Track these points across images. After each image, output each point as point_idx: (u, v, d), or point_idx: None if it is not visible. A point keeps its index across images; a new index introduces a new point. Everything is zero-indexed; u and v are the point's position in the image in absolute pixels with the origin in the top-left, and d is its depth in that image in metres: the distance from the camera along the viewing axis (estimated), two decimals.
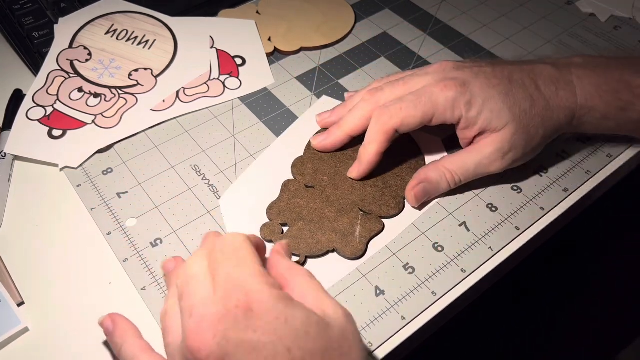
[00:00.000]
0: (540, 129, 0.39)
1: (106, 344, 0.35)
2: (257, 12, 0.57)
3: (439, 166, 0.40)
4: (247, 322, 0.26)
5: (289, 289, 0.30)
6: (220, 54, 0.52)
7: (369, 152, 0.40)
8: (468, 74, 0.40)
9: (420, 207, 0.41)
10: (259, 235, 0.39)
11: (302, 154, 0.44)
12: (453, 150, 0.44)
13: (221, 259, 0.29)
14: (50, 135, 0.45)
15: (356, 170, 0.41)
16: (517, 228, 0.40)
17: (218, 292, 0.28)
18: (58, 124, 0.46)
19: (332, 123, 0.45)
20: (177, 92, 0.49)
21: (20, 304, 0.36)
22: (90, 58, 0.50)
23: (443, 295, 0.37)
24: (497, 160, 0.39)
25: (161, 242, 0.39)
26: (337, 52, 0.53)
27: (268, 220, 0.40)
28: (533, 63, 0.42)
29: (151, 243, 0.39)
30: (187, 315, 0.28)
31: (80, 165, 0.44)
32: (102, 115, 0.47)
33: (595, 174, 0.43)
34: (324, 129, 0.45)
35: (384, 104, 0.40)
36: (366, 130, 0.41)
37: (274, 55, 0.53)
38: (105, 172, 0.44)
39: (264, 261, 0.32)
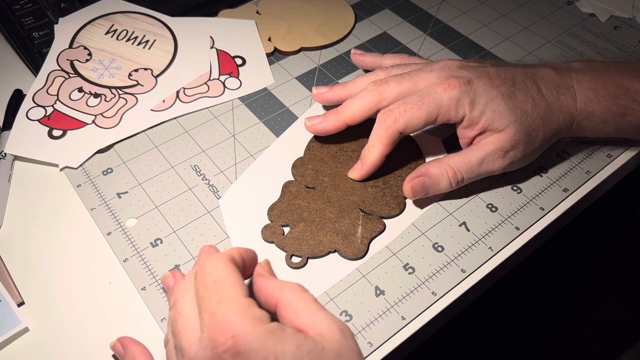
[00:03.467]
0: (540, 131, 0.39)
1: (106, 344, 0.35)
2: (257, 12, 0.57)
3: (441, 162, 0.40)
4: None
5: (281, 307, 0.29)
6: (220, 54, 0.52)
7: (373, 154, 0.40)
8: (472, 73, 0.40)
9: (420, 207, 0.41)
10: (261, 237, 0.39)
11: (302, 154, 0.44)
12: (453, 151, 0.44)
13: (203, 293, 0.28)
14: (50, 135, 0.45)
15: (358, 171, 0.41)
16: (517, 228, 0.40)
17: (204, 333, 0.27)
18: (58, 124, 0.46)
19: (329, 100, 0.45)
20: (177, 92, 0.49)
21: (20, 304, 0.36)
22: (90, 58, 0.50)
23: (443, 295, 0.37)
24: (498, 159, 0.39)
25: (161, 242, 0.39)
26: (337, 52, 0.53)
27: (269, 221, 0.40)
28: (534, 66, 0.42)
29: (151, 243, 0.39)
30: (180, 356, 0.28)
31: (80, 165, 0.44)
32: (102, 115, 0.47)
33: (595, 174, 0.43)
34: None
35: (388, 107, 0.39)
36: (364, 120, 0.41)
37: (274, 55, 0.53)
38: (105, 172, 0.44)
39: (252, 274, 0.32)
